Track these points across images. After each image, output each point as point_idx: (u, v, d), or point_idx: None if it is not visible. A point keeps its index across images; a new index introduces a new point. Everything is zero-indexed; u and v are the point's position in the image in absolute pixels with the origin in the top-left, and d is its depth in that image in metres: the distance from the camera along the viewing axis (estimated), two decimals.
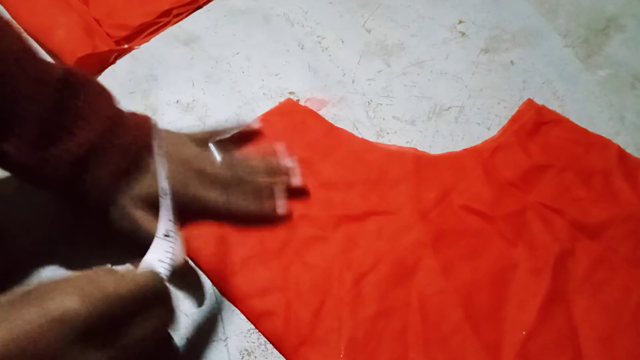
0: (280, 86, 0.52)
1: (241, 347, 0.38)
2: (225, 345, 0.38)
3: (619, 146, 0.46)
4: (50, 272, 0.40)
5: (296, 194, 0.43)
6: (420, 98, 0.51)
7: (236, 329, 0.38)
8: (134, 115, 0.40)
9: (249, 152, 0.45)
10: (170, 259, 0.33)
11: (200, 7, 0.59)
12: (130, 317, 0.28)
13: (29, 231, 0.42)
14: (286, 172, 0.43)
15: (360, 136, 0.48)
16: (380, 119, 0.50)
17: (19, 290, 0.26)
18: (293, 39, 0.56)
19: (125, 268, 0.39)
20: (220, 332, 0.38)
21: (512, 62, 0.54)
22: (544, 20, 0.58)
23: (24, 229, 0.42)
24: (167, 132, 0.41)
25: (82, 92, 0.36)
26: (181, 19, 0.58)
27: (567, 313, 0.38)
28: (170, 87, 0.53)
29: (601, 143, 0.47)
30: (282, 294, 0.39)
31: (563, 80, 0.53)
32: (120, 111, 0.39)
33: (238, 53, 0.55)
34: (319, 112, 0.50)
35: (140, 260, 0.33)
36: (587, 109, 0.50)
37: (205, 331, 0.38)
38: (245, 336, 0.38)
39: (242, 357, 0.37)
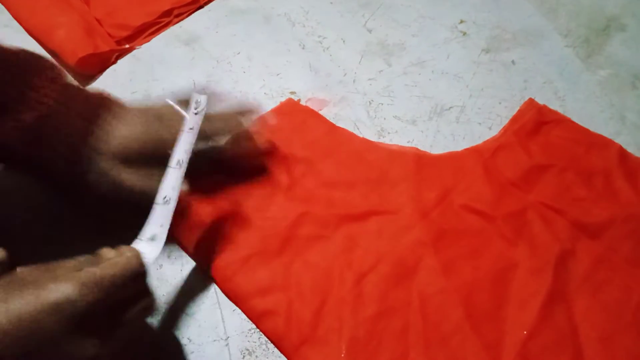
0: (281, 86, 0.52)
1: (242, 346, 0.38)
2: (226, 345, 0.38)
3: (620, 146, 0.46)
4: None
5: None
6: (421, 98, 0.51)
7: (237, 328, 0.39)
8: (83, 89, 0.39)
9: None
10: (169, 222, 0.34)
11: (201, 7, 0.59)
12: (120, 301, 0.29)
13: (28, 230, 0.42)
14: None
15: (361, 136, 0.48)
16: (381, 119, 0.50)
17: (8, 275, 0.27)
18: (294, 39, 0.56)
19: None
20: (221, 332, 0.38)
21: (513, 62, 0.54)
22: (544, 19, 0.58)
23: (24, 229, 0.43)
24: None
25: (30, 67, 0.36)
26: (182, 19, 0.58)
27: (568, 313, 0.38)
28: (172, 87, 0.53)
29: (602, 143, 0.47)
30: (283, 294, 0.39)
31: (564, 79, 0.53)
32: (69, 84, 0.38)
33: (239, 53, 0.55)
34: (320, 112, 0.50)
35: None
36: (588, 108, 0.50)
37: (206, 331, 0.39)
38: (246, 336, 0.38)
39: (243, 356, 0.37)
